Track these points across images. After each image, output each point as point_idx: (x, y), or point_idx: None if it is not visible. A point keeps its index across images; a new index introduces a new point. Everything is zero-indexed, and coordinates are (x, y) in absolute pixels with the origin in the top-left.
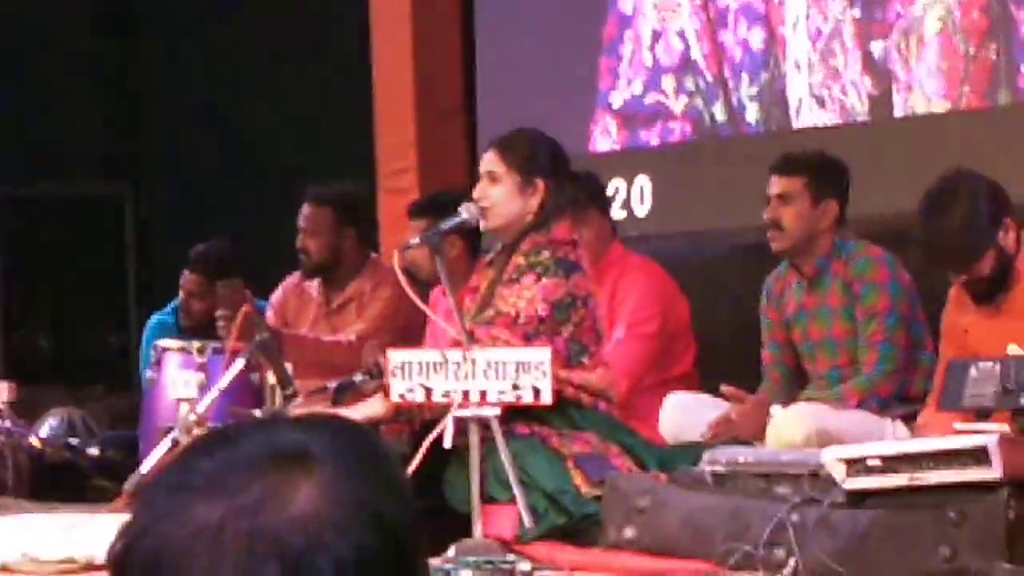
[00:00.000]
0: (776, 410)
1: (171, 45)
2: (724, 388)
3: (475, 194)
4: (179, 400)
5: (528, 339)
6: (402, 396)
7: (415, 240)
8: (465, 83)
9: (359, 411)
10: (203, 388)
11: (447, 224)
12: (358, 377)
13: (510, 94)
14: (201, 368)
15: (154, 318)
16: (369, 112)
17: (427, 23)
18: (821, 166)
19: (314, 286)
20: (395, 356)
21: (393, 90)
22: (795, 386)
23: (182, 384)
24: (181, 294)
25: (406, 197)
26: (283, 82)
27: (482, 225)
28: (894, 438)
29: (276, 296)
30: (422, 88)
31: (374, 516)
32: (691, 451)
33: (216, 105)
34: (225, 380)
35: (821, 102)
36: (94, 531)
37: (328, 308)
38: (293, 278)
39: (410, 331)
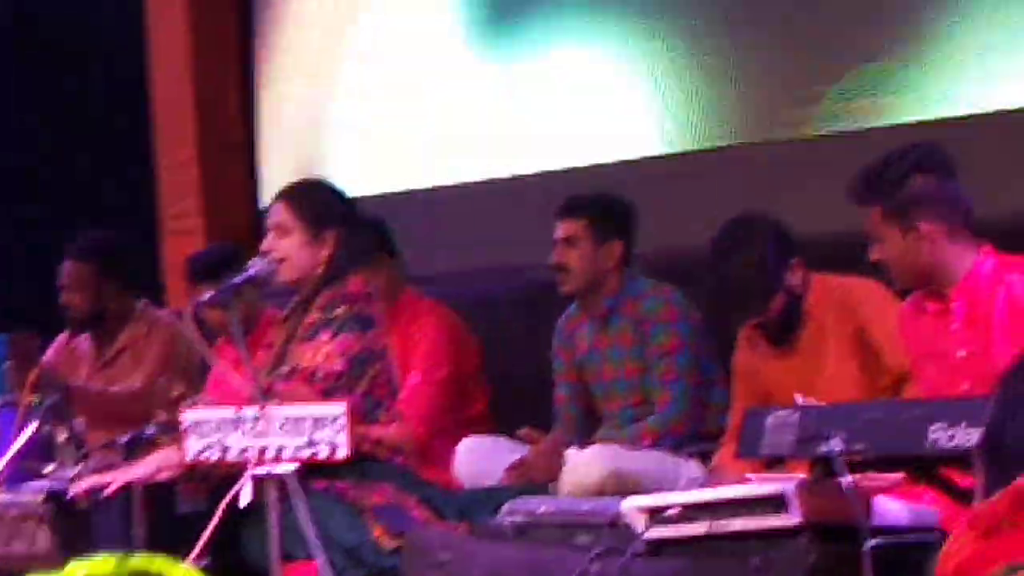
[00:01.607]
0: (571, 452)
1: None
2: (520, 431)
3: (264, 247)
4: None
5: (326, 395)
6: (197, 455)
7: (206, 297)
8: (245, 118)
9: (154, 461)
10: None
11: (237, 279)
12: (149, 430)
13: (291, 129)
14: None
15: None
16: (147, 152)
17: (206, 56)
18: (603, 207)
19: (84, 341)
20: (189, 415)
21: (173, 129)
22: (589, 426)
23: None
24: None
25: (191, 238)
26: (56, 118)
27: (273, 279)
28: (689, 477)
29: (47, 356)
30: (203, 127)
31: None
32: (489, 497)
33: None
34: (18, 444)
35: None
36: None
37: (101, 361)
38: (62, 336)
39: (188, 374)
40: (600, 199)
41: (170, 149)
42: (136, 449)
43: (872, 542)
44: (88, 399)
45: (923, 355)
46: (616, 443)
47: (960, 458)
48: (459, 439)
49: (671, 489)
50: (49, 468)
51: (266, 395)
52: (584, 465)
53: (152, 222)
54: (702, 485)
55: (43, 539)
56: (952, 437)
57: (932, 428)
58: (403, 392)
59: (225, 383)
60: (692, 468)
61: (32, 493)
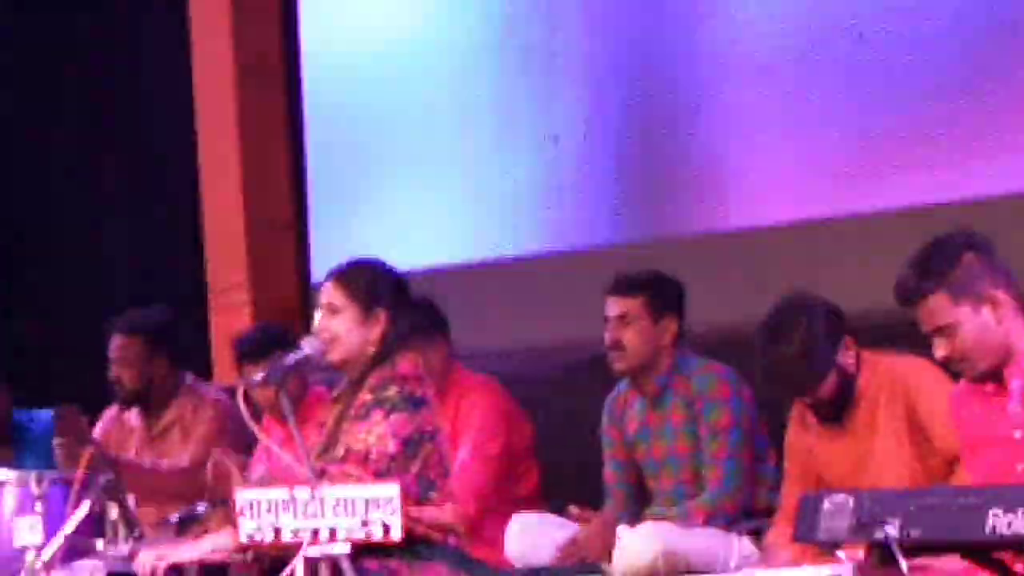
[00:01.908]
0: (623, 531)
1: None
2: (571, 508)
3: (315, 327)
4: (23, 548)
5: (379, 476)
6: (250, 536)
7: (258, 377)
8: (295, 197)
9: (209, 543)
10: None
11: (290, 360)
12: (201, 507)
13: (342, 209)
14: (40, 499)
15: None
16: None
17: (254, 136)
18: (658, 284)
19: (133, 415)
20: (242, 495)
21: (221, 206)
22: (639, 504)
23: (26, 530)
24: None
25: (238, 313)
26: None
27: (325, 358)
28: (740, 555)
29: (97, 430)
30: (251, 203)
31: None
32: None
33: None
34: (73, 521)
35: None
36: None
37: (150, 435)
38: (112, 410)
39: (236, 451)
40: (654, 277)
41: (218, 223)
42: (188, 527)
43: None
44: (140, 475)
45: (978, 436)
46: (667, 521)
47: (1018, 544)
48: (509, 517)
49: (723, 567)
50: (100, 545)
51: (319, 476)
52: (636, 544)
53: (200, 297)
54: (756, 565)
55: None
56: (1010, 524)
57: (990, 514)
58: (454, 469)
59: (271, 460)
60: (744, 546)
61: (87, 571)
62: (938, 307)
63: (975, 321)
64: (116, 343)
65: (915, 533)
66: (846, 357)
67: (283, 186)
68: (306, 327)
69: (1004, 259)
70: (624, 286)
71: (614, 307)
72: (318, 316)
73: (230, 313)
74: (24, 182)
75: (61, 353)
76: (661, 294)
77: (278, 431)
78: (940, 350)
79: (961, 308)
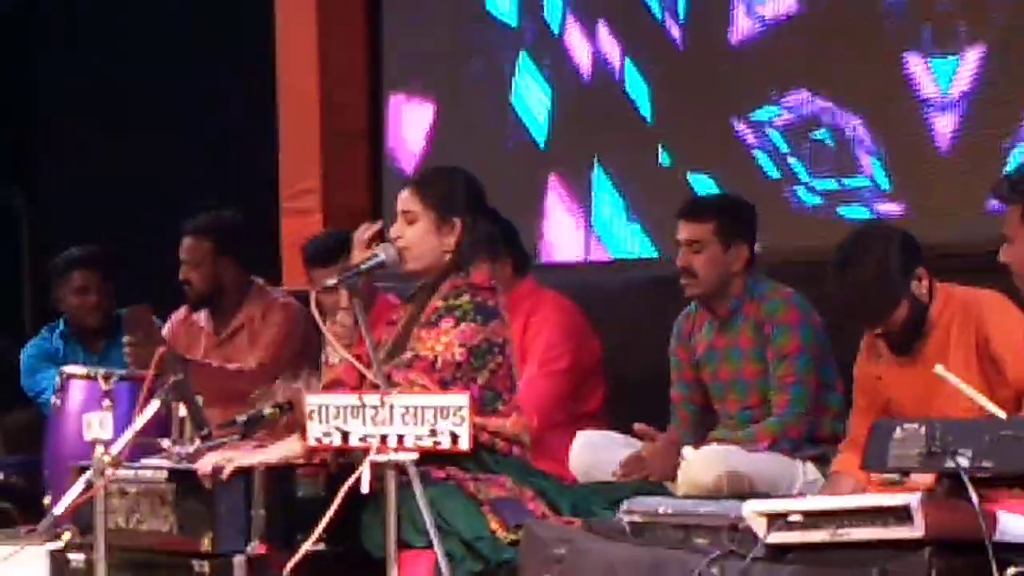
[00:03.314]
0: (687, 451)
1: (65, 52)
2: (636, 426)
3: (391, 234)
4: (92, 441)
5: (445, 384)
6: (318, 440)
7: (332, 281)
8: (370, 108)
9: (277, 451)
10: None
11: (365, 265)
12: (267, 410)
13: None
14: (107, 396)
15: (31, 346)
16: (270, 132)
17: (334, 46)
18: (730, 209)
19: (202, 317)
20: (312, 399)
21: (298, 110)
22: (704, 426)
23: (96, 425)
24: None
25: (309, 218)
26: (185, 96)
27: (400, 266)
28: (805, 480)
29: (165, 331)
30: (327, 110)
31: None
32: (604, 492)
33: (114, 114)
34: (140, 422)
35: None
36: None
37: (218, 338)
38: (180, 311)
39: (306, 356)
40: (726, 201)
41: (293, 131)
42: (254, 428)
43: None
44: (208, 376)
45: None
46: (732, 443)
47: None
48: (574, 433)
49: (787, 491)
50: (167, 443)
51: (385, 380)
52: (700, 464)
53: (272, 201)
54: (821, 491)
55: (165, 517)
56: None
57: None
58: (521, 383)
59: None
60: (809, 471)
61: (153, 470)
62: (1010, 217)
63: None
64: (186, 244)
65: (987, 464)
66: (919, 287)
67: (359, 94)
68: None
69: None
70: (695, 211)
71: (685, 231)
72: (396, 223)
73: (301, 219)
74: (99, 85)
75: (135, 254)
76: (732, 219)
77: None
78: (1001, 254)
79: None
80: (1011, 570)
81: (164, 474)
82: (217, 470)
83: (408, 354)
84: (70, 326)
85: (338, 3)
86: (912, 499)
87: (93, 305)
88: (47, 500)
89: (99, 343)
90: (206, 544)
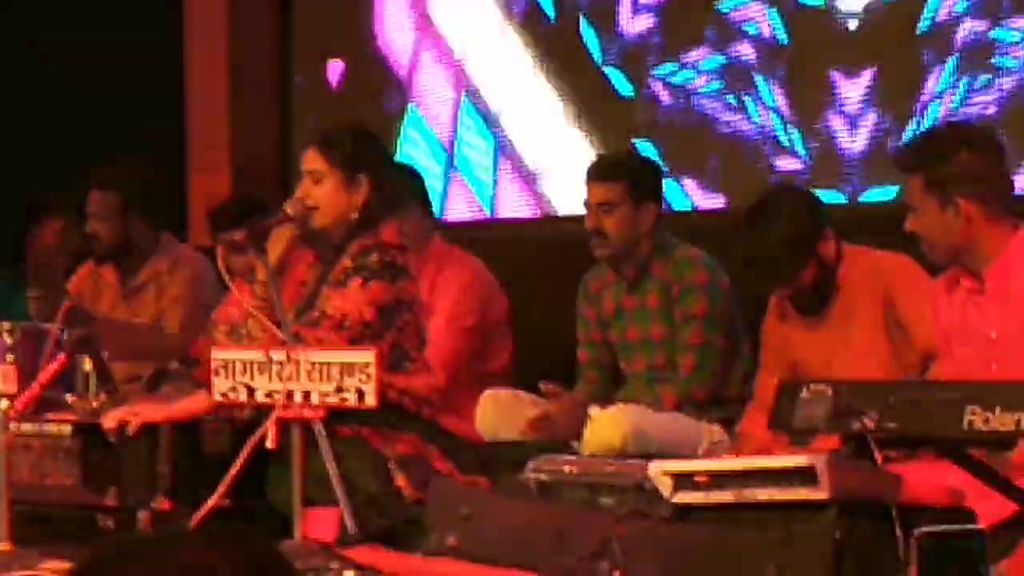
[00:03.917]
0: (594, 410)
1: None
2: (543, 385)
3: (298, 193)
4: None
5: (353, 343)
6: (224, 395)
7: (238, 236)
8: (280, 58)
9: (182, 407)
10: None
11: (272, 220)
12: (173, 365)
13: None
14: (11, 350)
15: None
16: (177, 89)
17: (244, 6)
18: (639, 169)
19: (109, 270)
20: (217, 354)
21: (206, 66)
22: (611, 386)
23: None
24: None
25: (217, 175)
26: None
27: (307, 223)
28: (711, 441)
29: (72, 283)
30: (235, 62)
31: None
32: (511, 451)
33: (21, 69)
34: (46, 375)
35: None
36: None
37: (124, 291)
38: (87, 264)
39: (209, 311)
40: (634, 161)
41: (201, 85)
42: (159, 384)
43: (922, 529)
44: (114, 331)
45: (954, 331)
46: (639, 403)
47: (994, 442)
48: (481, 391)
49: (692, 451)
50: (71, 398)
51: (295, 339)
52: (606, 424)
53: (180, 156)
54: (728, 452)
55: (70, 471)
56: (987, 420)
57: (968, 411)
58: (428, 339)
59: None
60: (714, 433)
61: (57, 424)
62: (912, 188)
63: (937, 216)
64: (93, 197)
65: (892, 426)
66: (827, 248)
67: (268, 46)
68: (284, 191)
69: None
70: (604, 172)
71: (595, 193)
72: (302, 182)
73: (209, 176)
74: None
75: (39, 207)
76: (641, 179)
77: (250, 294)
78: (908, 223)
79: (928, 199)
80: (917, 531)
81: (69, 428)
82: (122, 424)
83: (315, 313)
84: None
85: None
86: (817, 460)
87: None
88: None
89: None
90: (111, 498)
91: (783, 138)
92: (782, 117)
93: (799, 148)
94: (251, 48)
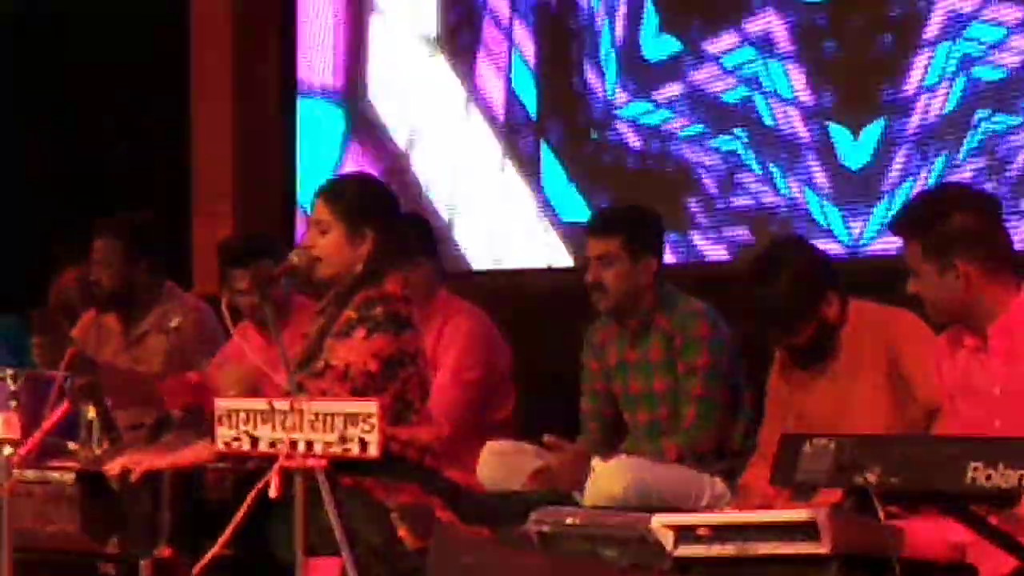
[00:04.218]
0: (596, 462)
1: None
2: (545, 438)
3: (304, 242)
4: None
5: (356, 394)
6: (227, 444)
7: (242, 285)
8: (284, 108)
9: (186, 455)
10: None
11: (277, 270)
12: (176, 413)
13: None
14: (15, 396)
15: None
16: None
17: (248, 51)
18: (638, 223)
19: (112, 318)
20: (221, 404)
21: (211, 113)
22: (614, 437)
23: (2, 425)
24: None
25: (221, 221)
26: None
27: (312, 274)
28: (712, 494)
29: (75, 332)
30: (239, 114)
31: None
32: (513, 502)
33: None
34: (50, 422)
35: None
36: None
37: (128, 339)
38: (90, 312)
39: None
40: (633, 214)
41: (207, 134)
42: (162, 432)
43: None
44: (117, 379)
45: (958, 389)
46: (641, 456)
47: (996, 498)
48: (483, 442)
49: (694, 504)
50: (74, 446)
51: (298, 389)
52: (609, 476)
53: (185, 204)
54: (729, 505)
55: (72, 519)
56: (989, 477)
57: (971, 467)
58: (432, 392)
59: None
60: (716, 485)
61: (60, 471)
62: (911, 253)
63: (936, 281)
64: (98, 245)
65: (895, 481)
66: (830, 305)
67: (272, 99)
68: (289, 241)
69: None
70: (602, 226)
71: (594, 247)
72: (308, 232)
73: (213, 222)
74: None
75: (41, 256)
76: (639, 233)
77: (256, 339)
78: (910, 286)
79: (927, 264)
80: None
81: (71, 476)
82: (125, 472)
83: (320, 363)
84: None
85: (253, 11)
86: (819, 514)
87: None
88: None
89: None
90: (112, 547)
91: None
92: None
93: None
94: (256, 95)
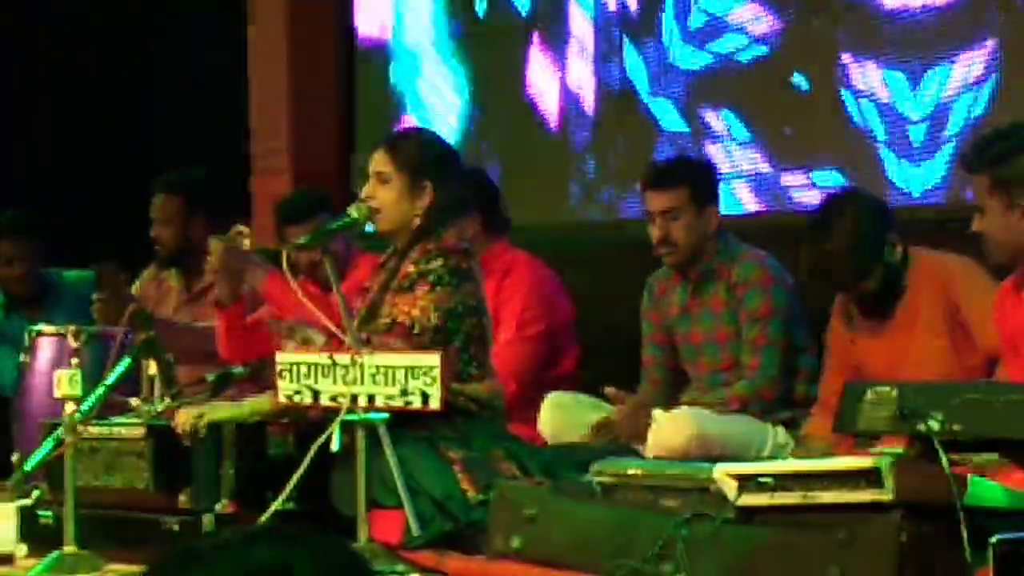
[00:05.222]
0: (658, 413)
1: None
2: (606, 390)
3: (363, 194)
4: (62, 398)
5: (422, 349)
6: (289, 398)
7: (302, 240)
8: (341, 64)
9: (247, 407)
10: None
11: (335, 224)
12: (237, 368)
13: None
14: (76, 354)
15: None
16: (240, 93)
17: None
18: (698, 172)
19: (172, 275)
20: (283, 358)
21: (267, 69)
22: (675, 388)
23: (66, 382)
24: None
25: (279, 177)
26: (155, 55)
27: (371, 227)
28: (775, 443)
29: (135, 288)
30: (295, 70)
31: None
32: (575, 454)
33: (83, 72)
34: (113, 378)
35: None
36: None
37: (188, 296)
38: (150, 269)
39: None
40: (692, 165)
41: (263, 89)
42: (222, 387)
43: (998, 537)
44: (177, 334)
45: (1018, 335)
46: (703, 406)
47: None
48: (544, 395)
49: (756, 454)
50: (136, 401)
51: (363, 344)
52: (670, 427)
53: (243, 160)
54: (791, 454)
55: (141, 475)
56: None
57: None
58: (496, 347)
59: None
60: (779, 435)
61: (129, 426)
62: (978, 187)
63: (1001, 217)
64: (157, 202)
65: (957, 428)
66: (892, 253)
67: (329, 53)
68: (344, 195)
69: None
70: (665, 179)
71: (657, 201)
72: (368, 184)
73: (271, 178)
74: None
75: (104, 212)
76: (703, 182)
77: (314, 294)
78: (974, 223)
79: (993, 199)
80: (994, 538)
81: (142, 431)
82: (194, 426)
83: (386, 320)
84: (5, 296)
85: None
86: (883, 462)
87: (20, 276)
88: (16, 457)
89: (36, 312)
90: (183, 500)
91: None
92: None
93: None
94: (313, 50)
